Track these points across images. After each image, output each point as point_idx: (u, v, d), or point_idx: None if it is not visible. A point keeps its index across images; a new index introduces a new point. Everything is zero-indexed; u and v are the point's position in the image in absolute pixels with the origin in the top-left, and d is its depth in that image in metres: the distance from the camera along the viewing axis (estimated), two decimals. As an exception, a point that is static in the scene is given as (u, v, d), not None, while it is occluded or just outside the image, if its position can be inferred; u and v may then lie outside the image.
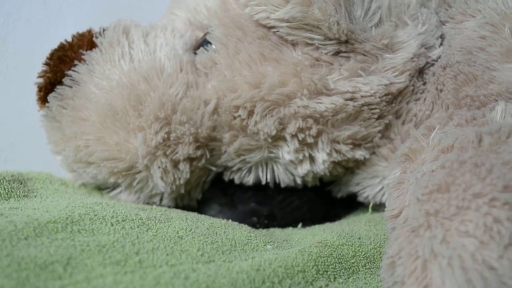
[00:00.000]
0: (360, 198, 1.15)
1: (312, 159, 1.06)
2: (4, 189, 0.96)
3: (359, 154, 1.07)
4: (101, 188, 1.13)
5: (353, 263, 0.86)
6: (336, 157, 1.06)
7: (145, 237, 0.78)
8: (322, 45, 0.99)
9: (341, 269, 0.83)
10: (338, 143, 1.04)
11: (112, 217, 0.81)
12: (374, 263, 0.87)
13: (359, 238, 0.91)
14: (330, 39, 0.99)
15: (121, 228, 0.79)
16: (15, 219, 0.75)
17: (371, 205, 1.04)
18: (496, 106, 0.90)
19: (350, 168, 1.12)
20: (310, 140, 1.02)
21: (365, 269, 0.85)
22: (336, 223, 1.05)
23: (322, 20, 0.94)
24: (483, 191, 0.66)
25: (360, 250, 0.88)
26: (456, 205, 0.67)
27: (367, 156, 1.08)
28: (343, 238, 0.90)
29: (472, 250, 0.63)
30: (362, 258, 0.87)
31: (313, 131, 1.01)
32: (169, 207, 1.08)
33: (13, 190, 0.96)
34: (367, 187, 1.12)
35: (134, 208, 0.90)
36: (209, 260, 0.74)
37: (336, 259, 0.84)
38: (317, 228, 1.00)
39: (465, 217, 0.66)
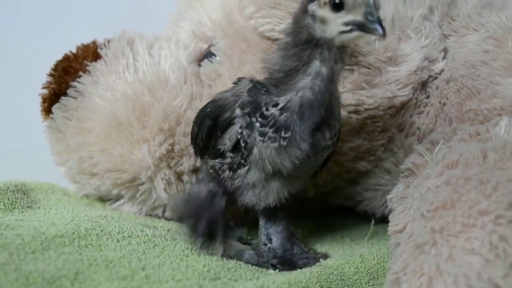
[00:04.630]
0: (359, 209, 1.15)
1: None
2: (9, 199, 0.96)
3: (361, 165, 1.08)
4: (103, 199, 1.13)
5: (355, 280, 0.86)
6: (334, 168, 1.07)
7: (152, 253, 0.79)
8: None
9: (344, 286, 0.84)
10: (342, 155, 1.05)
11: (118, 233, 0.82)
12: (378, 279, 0.88)
13: (361, 255, 0.92)
14: (334, 52, 1.00)
15: (127, 244, 0.80)
16: (22, 232, 0.76)
17: (372, 222, 1.05)
18: (500, 121, 0.90)
19: (352, 179, 1.12)
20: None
21: (369, 285, 0.86)
22: (340, 242, 1.05)
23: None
24: (488, 209, 0.67)
25: (363, 267, 0.88)
26: (461, 222, 0.68)
27: (369, 167, 1.09)
28: (343, 259, 0.90)
29: (478, 268, 0.63)
30: (365, 275, 0.88)
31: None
32: (172, 219, 1.08)
33: (17, 201, 0.97)
34: (368, 199, 1.13)
35: (139, 224, 0.92)
36: (215, 277, 0.75)
37: (338, 277, 0.84)
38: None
39: (471, 234, 0.66)
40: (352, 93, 1.01)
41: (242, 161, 0.85)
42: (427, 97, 1.08)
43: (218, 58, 1.07)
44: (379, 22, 0.72)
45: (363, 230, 1.09)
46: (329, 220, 1.20)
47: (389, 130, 1.06)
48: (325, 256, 0.94)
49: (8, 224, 0.80)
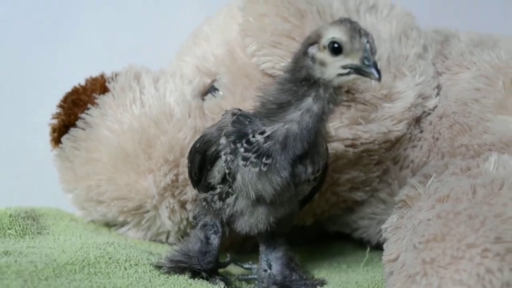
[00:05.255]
0: (355, 236, 1.19)
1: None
2: (20, 225, 1.00)
3: (357, 195, 1.12)
4: (109, 224, 1.17)
5: (351, 306, 0.90)
6: (331, 198, 1.11)
7: (157, 281, 0.83)
8: (324, 94, 1.04)
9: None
10: (339, 186, 1.09)
11: (126, 261, 0.85)
12: (373, 306, 0.91)
13: (356, 282, 0.95)
14: (333, 89, 1.04)
15: (134, 272, 0.84)
16: (35, 259, 0.79)
17: (368, 250, 1.08)
18: (489, 156, 0.94)
19: (348, 208, 1.16)
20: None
21: (364, 312, 0.90)
22: (337, 268, 1.08)
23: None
24: (476, 242, 0.71)
25: (358, 294, 0.92)
26: (451, 254, 0.72)
27: (365, 197, 1.13)
28: (340, 285, 0.94)
29: (466, 298, 0.68)
30: (360, 302, 0.91)
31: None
32: (175, 244, 1.11)
33: (27, 227, 1.01)
34: (364, 227, 1.17)
35: (144, 252, 0.95)
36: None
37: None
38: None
39: (459, 266, 0.71)
40: (349, 128, 1.05)
41: (230, 190, 0.88)
42: (421, 131, 1.12)
43: (221, 93, 1.11)
44: (375, 66, 0.76)
45: (359, 256, 1.12)
46: (326, 246, 1.24)
47: (384, 162, 1.11)
48: (322, 283, 0.98)
49: (21, 251, 0.84)
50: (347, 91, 1.04)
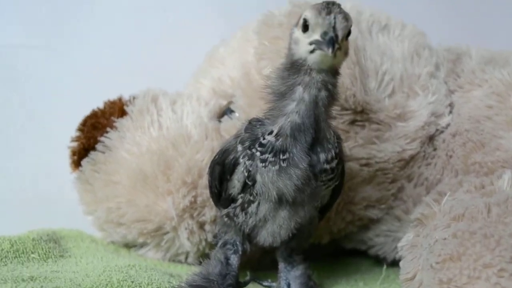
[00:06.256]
0: (371, 253, 1.21)
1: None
2: (42, 249, 1.02)
3: (373, 213, 1.14)
4: (128, 245, 1.19)
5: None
6: (347, 217, 1.13)
7: (179, 304, 0.85)
8: (339, 115, 1.06)
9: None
10: (354, 204, 1.11)
11: (148, 284, 0.87)
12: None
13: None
14: (347, 109, 1.06)
15: (157, 295, 0.86)
16: (60, 284, 0.82)
17: (384, 267, 1.09)
18: (503, 174, 0.95)
19: (364, 226, 1.18)
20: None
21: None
22: (354, 286, 1.10)
23: (340, 93, 1.01)
24: (492, 262, 0.73)
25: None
26: (467, 274, 0.74)
27: (380, 215, 1.15)
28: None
29: (483, 318, 0.69)
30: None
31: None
32: (194, 265, 1.13)
33: (50, 250, 1.03)
34: (380, 244, 1.18)
35: (165, 274, 0.97)
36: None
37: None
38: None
39: (476, 286, 0.73)
40: (364, 148, 1.08)
41: (251, 198, 0.90)
42: (435, 149, 1.14)
43: (237, 115, 1.13)
44: (331, 40, 0.77)
45: (376, 273, 1.13)
46: (343, 263, 1.25)
47: (399, 180, 1.13)
48: (340, 301, 1.00)
49: (45, 276, 0.86)
50: (361, 111, 1.06)
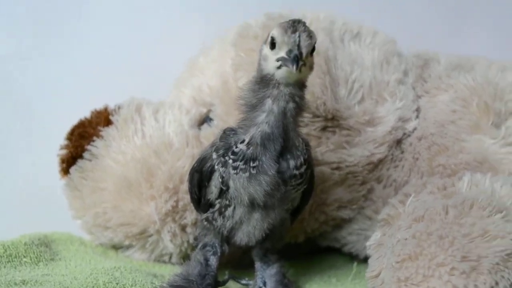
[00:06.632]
0: (345, 250, 1.27)
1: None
2: (34, 253, 1.07)
3: (345, 213, 1.20)
4: (116, 247, 1.25)
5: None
6: (320, 217, 1.20)
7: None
8: (311, 122, 1.13)
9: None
10: (327, 206, 1.18)
11: (132, 286, 0.93)
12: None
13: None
14: (318, 117, 1.13)
15: (140, 296, 0.92)
16: (49, 287, 0.87)
17: (355, 264, 1.15)
18: (463, 176, 1.01)
19: (337, 225, 1.24)
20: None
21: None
22: (327, 282, 1.15)
23: (311, 101, 1.06)
24: (445, 261, 0.80)
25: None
26: (423, 273, 0.81)
27: (352, 215, 1.21)
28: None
29: (435, 314, 0.76)
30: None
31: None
32: (178, 264, 1.19)
33: (41, 254, 1.08)
34: (352, 242, 1.24)
35: (149, 275, 1.02)
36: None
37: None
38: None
39: (430, 284, 0.80)
40: (335, 152, 1.14)
41: (227, 202, 0.95)
42: (402, 152, 1.20)
43: (215, 122, 1.19)
44: (295, 58, 0.82)
45: (349, 269, 1.18)
46: (319, 261, 1.30)
47: (368, 182, 1.19)
48: (313, 298, 1.05)
49: (36, 280, 0.92)
50: (332, 118, 1.13)
